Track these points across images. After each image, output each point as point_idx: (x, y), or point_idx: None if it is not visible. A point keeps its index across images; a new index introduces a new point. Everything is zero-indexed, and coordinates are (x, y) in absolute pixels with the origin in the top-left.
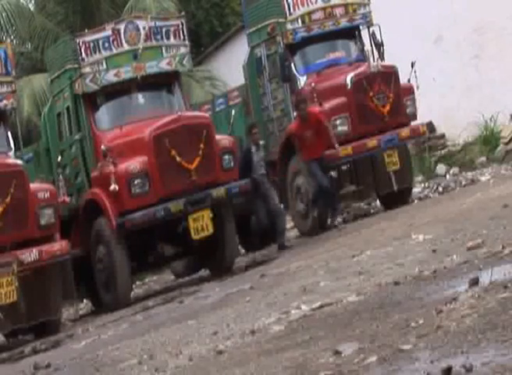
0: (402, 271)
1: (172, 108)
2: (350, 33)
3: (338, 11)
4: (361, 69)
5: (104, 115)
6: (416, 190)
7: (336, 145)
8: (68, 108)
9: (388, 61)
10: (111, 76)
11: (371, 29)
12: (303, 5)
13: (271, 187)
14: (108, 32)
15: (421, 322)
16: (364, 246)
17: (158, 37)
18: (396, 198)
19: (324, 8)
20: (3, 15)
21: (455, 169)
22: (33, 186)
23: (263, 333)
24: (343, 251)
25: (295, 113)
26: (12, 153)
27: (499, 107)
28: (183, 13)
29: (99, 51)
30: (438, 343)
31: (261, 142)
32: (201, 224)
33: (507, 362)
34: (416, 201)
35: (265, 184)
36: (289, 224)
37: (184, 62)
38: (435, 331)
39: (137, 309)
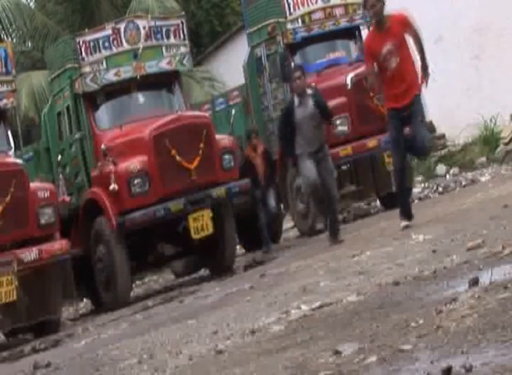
0: (402, 271)
1: (172, 108)
2: (350, 33)
3: (338, 11)
4: (361, 69)
5: (104, 114)
6: (416, 190)
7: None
8: (68, 108)
9: None
10: (111, 76)
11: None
12: (303, 5)
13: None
14: (108, 31)
15: (421, 322)
16: (364, 246)
17: (158, 36)
18: (396, 198)
19: (324, 9)
20: (3, 14)
21: (455, 170)
22: (33, 185)
23: (263, 333)
24: (343, 251)
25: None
26: (12, 152)
27: (499, 107)
28: (183, 13)
29: (99, 50)
30: (438, 343)
31: (310, 90)
32: (201, 224)
33: (507, 363)
34: (416, 201)
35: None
36: (290, 224)
37: (184, 61)
38: (435, 331)
39: (137, 309)
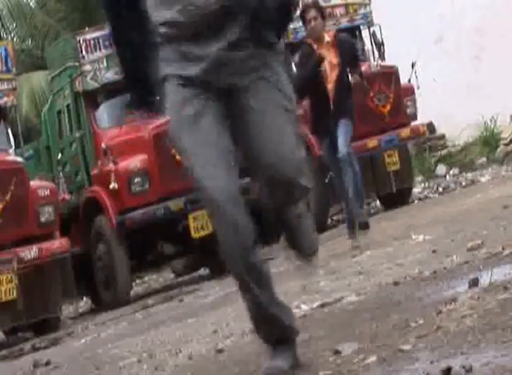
0: (402, 271)
1: None
2: (351, 33)
3: (338, 11)
4: (362, 68)
5: (104, 113)
6: (416, 190)
7: None
8: (68, 106)
9: (388, 61)
10: (111, 74)
11: (371, 29)
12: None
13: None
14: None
15: (421, 322)
16: (364, 246)
17: None
18: (396, 199)
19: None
20: (3, 12)
21: (455, 170)
22: (33, 183)
23: None
24: (343, 251)
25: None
26: (12, 150)
27: (499, 108)
28: None
29: (100, 49)
30: (438, 343)
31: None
32: (201, 223)
33: (507, 363)
34: (416, 201)
35: None
36: None
37: None
38: (434, 331)
39: (137, 308)
